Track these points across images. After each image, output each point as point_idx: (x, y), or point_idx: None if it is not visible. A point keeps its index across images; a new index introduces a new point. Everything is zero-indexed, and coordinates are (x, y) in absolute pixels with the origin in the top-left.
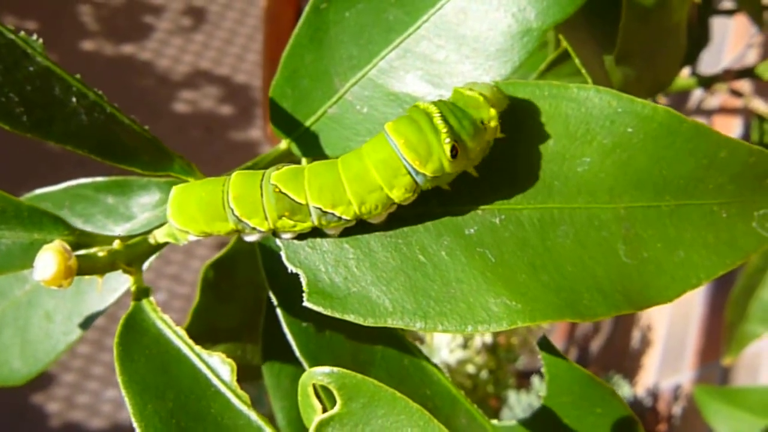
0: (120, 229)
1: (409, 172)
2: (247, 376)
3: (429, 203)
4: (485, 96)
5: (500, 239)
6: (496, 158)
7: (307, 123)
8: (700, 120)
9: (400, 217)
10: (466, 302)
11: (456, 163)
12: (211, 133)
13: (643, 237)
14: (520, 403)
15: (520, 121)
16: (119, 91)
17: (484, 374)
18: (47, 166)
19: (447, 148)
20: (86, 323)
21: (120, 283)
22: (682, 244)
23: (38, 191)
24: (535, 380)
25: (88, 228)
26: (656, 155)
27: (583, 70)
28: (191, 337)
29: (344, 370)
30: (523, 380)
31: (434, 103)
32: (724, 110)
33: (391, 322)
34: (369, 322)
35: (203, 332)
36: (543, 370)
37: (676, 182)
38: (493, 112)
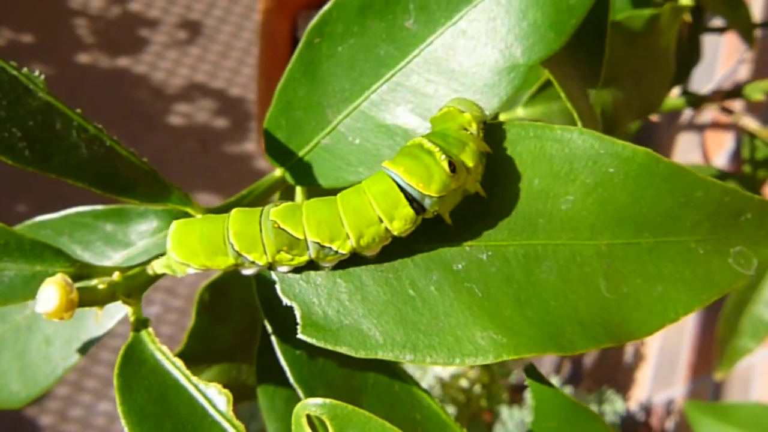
0: (119, 256)
1: (411, 202)
2: (243, 395)
3: (419, 240)
4: (454, 107)
5: (487, 274)
6: (483, 196)
7: (301, 153)
8: (692, 136)
9: (391, 252)
10: (454, 335)
11: (457, 178)
12: (206, 145)
13: (623, 272)
14: (512, 419)
15: (505, 161)
16: (114, 104)
17: (477, 389)
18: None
19: (445, 165)
20: (85, 348)
21: (118, 310)
22: (661, 280)
23: (38, 218)
24: (528, 395)
25: (87, 255)
26: (636, 194)
27: (569, 104)
28: (187, 358)
29: (336, 402)
30: (515, 395)
31: (420, 136)
32: (715, 126)
33: (381, 354)
34: (361, 354)
35: (199, 353)
36: (529, 395)
37: (654, 220)
38: (467, 116)
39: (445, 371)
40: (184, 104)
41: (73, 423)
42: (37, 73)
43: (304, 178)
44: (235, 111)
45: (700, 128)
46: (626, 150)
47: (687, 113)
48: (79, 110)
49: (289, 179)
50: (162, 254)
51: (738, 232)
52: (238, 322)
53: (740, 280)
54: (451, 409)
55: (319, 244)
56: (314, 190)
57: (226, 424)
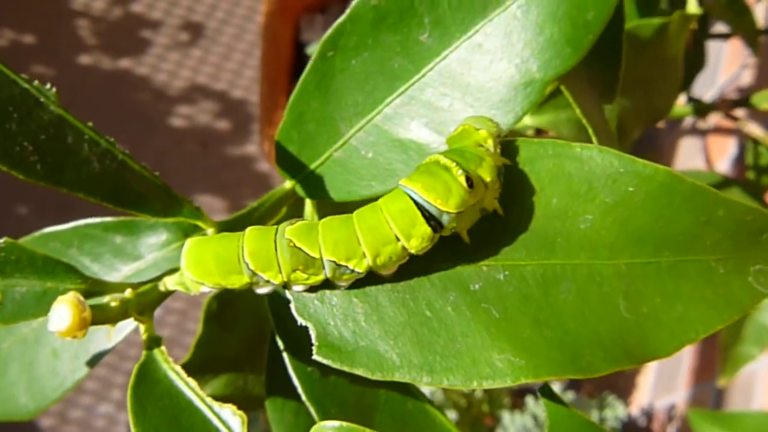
0: (128, 269)
1: (428, 220)
2: (249, 405)
3: (435, 259)
4: (470, 125)
5: (504, 295)
6: (501, 215)
7: (312, 166)
8: (694, 141)
9: (407, 271)
10: (471, 357)
11: (475, 193)
12: (207, 147)
13: (643, 292)
14: (514, 424)
15: (523, 179)
16: (115, 106)
17: (478, 393)
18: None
19: (462, 180)
20: (93, 361)
21: (126, 323)
22: (681, 299)
23: (47, 230)
24: (530, 401)
25: (96, 267)
26: (656, 213)
27: (584, 121)
28: (195, 367)
29: (352, 425)
30: (517, 399)
31: (437, 153)
32: (718, 131)
33: (398, 377)
34: (377, 377)
35: (206, 363)
36: (545, 415)
37: (674, 239)
38: (483, 133)
39: None
40: (186, 106)
41: (74, 425)
42: (48, 86)
43: (316, 191)
44: (236, 113)
45: (702, 134)
46: (647, 169)
47: (689, 118)
48: (90, 123)
49: (300, 192)
50: (173, 270)
51: (759, 251)
52: (245, 332)
53: (761, 298)
54: (452, 414)
55: (335, 263)
56: (324, 203)
57: None
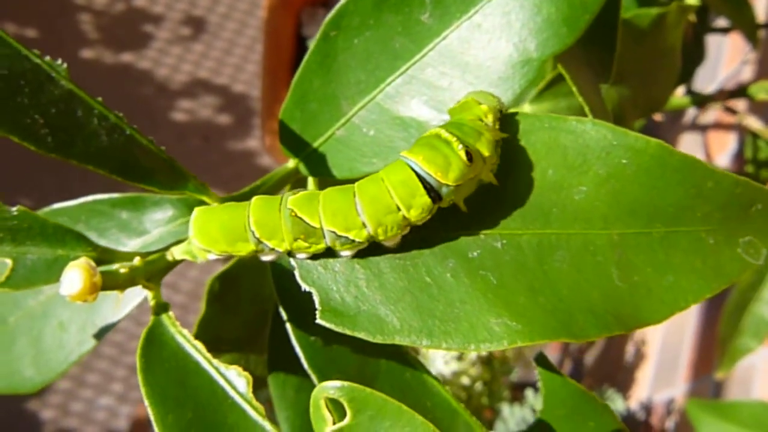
0: (134, 244)
1: (428, 191)
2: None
3: (435, 228)
4: (472, 98)
5: (501, 263)
6: (498, 186)
7: (315, 144)
8: (695, 136)
9: (407, 240)
10: (469, 322)
11: (474, 167)
12: (209, 142)
13: (634, 262)
14: (513, 417)
15: (520, 151)
16: (118, 100)
17: (478, 386)
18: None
19: (462, 154)
20: (100, 334)
21: (134, 295)
22: (671, 269)
23: (55, 206)
24: (529, 393)
25: (103, 242)
26: (648, 185)
27: (581, 99)
28: None
29: (354, 385)
30: (517, 392)
31: (437, 127)
32: (718, 126)
33: (398, 340)
34: (378, 339)
35: (208, 343)
36: (539, 384)
37: (666, 210)
38: (484, 107)
39: (447, 368)
40: (188, 100)
41: (74, 417)
42: (59, 61)
43: (318, 169)
44: (238, 107)
45: (702, 128)
46: (639, 141)
47: (690, 113)
48: (100, 98)
49: (303, 170)
50: (178, 241)
51: (748, 223)
52: (247, 313)
53: (749, 269)
54: None
55: (335, 233)
56: (327, 181)
57: (245, 406)
